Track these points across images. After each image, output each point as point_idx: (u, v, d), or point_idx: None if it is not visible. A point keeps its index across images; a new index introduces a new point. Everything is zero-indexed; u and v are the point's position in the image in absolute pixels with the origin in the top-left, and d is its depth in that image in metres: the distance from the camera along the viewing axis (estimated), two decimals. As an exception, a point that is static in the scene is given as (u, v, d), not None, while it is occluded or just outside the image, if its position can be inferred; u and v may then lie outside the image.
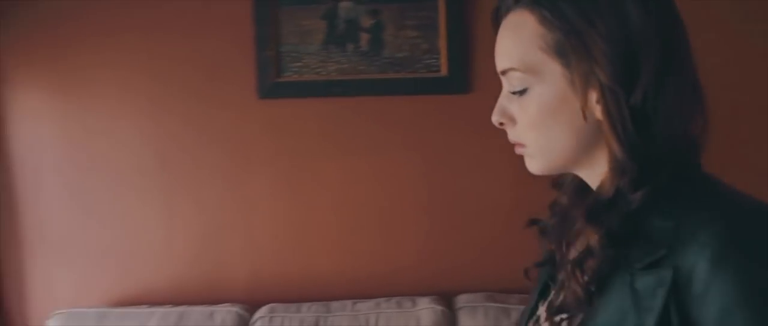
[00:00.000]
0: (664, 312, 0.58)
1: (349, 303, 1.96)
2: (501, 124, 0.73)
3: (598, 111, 0.65)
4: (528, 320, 0.79)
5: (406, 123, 2.11)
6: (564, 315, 0.68)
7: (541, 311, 0.76)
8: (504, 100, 0.72)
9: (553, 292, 0.75)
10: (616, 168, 0.64)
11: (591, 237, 0.65)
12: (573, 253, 0.70)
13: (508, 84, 0.71)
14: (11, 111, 2.18)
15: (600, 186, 0.67)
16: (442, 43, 2.05)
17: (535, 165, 0.73)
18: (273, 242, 2.12)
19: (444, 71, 2.07)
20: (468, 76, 2.06)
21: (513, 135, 0.72)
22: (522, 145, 0.72)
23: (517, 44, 0.68)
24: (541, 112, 0.68)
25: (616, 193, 0.64)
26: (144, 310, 2.00)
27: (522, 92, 0.69)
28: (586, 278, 0.65)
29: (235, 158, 2.13)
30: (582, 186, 0.74)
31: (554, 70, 0.66)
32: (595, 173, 0.70)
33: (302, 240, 2.12)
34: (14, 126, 2.19)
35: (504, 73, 0.71)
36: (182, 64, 2.14)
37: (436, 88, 2.08)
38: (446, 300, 1.98)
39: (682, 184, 0.63)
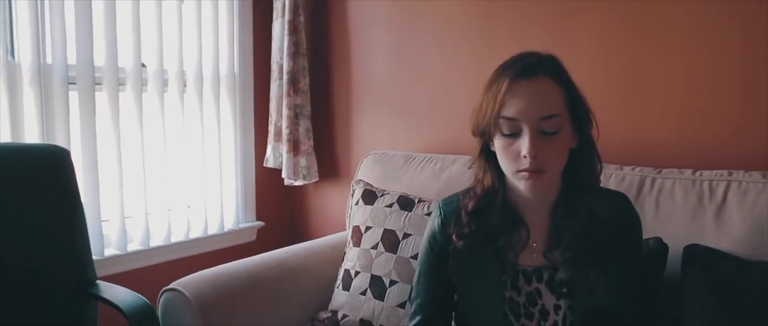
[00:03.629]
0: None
1: (688, 171, 1.53)
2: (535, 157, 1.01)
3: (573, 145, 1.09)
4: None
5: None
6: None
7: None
8: (537, 142, 1.01)
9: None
10: (596, 180, 1.13)
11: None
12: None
13: (544, 128, 1.02)
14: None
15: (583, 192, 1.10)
16: None
17: (542, 183, 1.05)
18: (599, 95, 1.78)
19: None
20: None
21: (537, 165, 1.02)
22: (542, 172, 1.03)
23: (556, 98, 1.04)
24: (565, 147, 1.06)
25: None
26: (449, 156, 1.93)
27: (555, 133, 1.03)
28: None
29: (556, 3, 1.85)
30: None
31: (566, 117, 1.04)
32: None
33: (636, 96, 1.74)
34: (351, -18, 2.33)
35: (549, 118, 1.02)
36: None
37: None
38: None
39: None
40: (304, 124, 2.38)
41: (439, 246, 1.18)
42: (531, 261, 1.12)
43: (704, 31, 1.62)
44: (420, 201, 1.68)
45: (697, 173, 1.51)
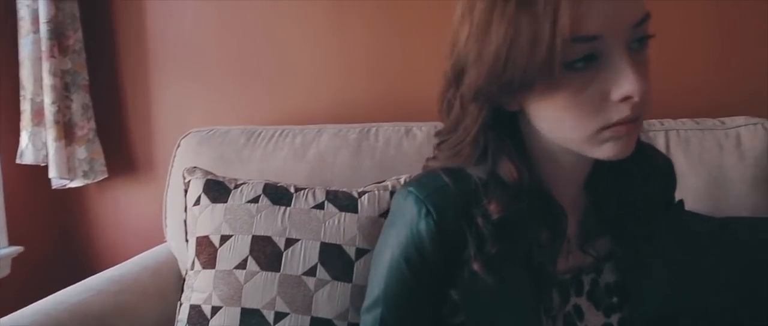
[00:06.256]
0: None
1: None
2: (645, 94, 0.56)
3: None
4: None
5: None
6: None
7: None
8: (639, 67, 0.56)
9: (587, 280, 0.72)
10: None
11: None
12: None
13: (636, 37, 0.57)
14: None
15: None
16: None
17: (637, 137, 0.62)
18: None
19: None
20: None
21: (640, 109, 0.57)
22: (640, 118, 0.59)
23: None
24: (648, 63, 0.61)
25: None
26: (310, 127, 1.44)
27: (645, 43, 0.59)
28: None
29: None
30: None
31: None
32: None
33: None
34: None
35: (643, 21, 0.57)
36: None
37: None
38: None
39: None
40: (80, 99, 1.64)
41: (430, 268, 0.68)
42: (564, 264, 0.71)
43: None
44: (299, 189, 1.17)
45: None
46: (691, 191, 1.17)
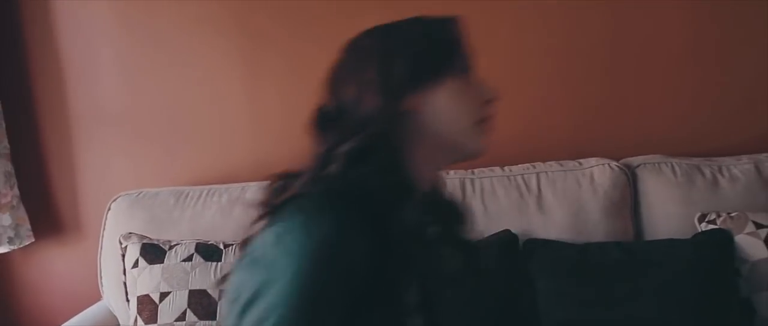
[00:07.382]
0: None
1: (497, 168, 1.54)
2: None
3: None
4: None
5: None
6: None
7: None
8: None
9: None
10: None
11: None
12: None
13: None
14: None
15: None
16: None
17: None
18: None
19: None
20: None
21: None
22: None
23: None
24: None
25: None
26: (234, 186, 1.59)
27: None
28: None
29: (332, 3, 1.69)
30: None
31: None
32: None
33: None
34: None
35: None
36: None
37: None
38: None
39: None
40: (2, 167, 1.70)
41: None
42: None
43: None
44: (227, 245, 1.32)
45: (507, 169, 1.53)
46: (559, 223, 1.43)
